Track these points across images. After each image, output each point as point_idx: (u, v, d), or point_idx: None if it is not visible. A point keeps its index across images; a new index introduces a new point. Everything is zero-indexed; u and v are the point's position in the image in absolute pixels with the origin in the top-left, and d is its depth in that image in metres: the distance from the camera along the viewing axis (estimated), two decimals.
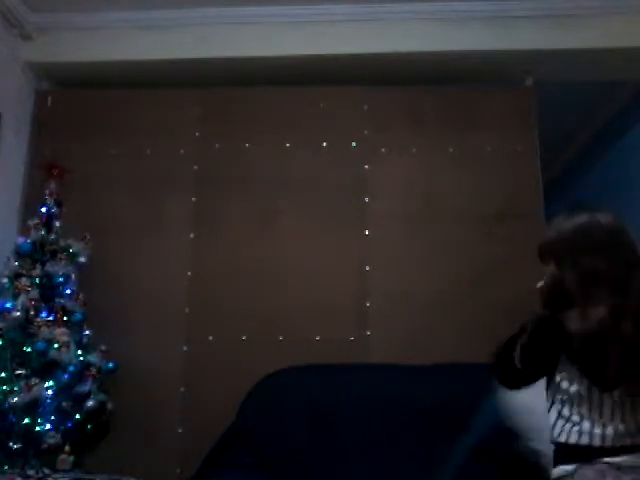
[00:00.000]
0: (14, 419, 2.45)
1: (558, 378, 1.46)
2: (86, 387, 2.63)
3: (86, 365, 2.67)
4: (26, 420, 2.45)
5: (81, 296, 2.79)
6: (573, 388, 1.42)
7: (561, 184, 4.58)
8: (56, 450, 2.48)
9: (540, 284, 1.52)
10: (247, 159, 3.25)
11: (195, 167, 3.26)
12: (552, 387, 1.48)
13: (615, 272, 1.40)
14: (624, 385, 1.38)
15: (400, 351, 2.87)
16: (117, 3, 3.22)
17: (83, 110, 3.36)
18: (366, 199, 3.18)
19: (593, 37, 3.12)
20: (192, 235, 3.17)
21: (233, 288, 3.03)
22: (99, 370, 2.69)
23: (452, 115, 3.26)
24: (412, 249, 3.10)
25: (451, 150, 3.23)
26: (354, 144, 3.25)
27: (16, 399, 2.42)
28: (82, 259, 2.82)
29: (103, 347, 2.76)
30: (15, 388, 2.46)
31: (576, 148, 4.37)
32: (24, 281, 2.62)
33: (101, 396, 2.68)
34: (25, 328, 2.58)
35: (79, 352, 2.64)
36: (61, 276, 2.71)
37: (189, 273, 3.12)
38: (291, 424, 2.44)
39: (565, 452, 1.42)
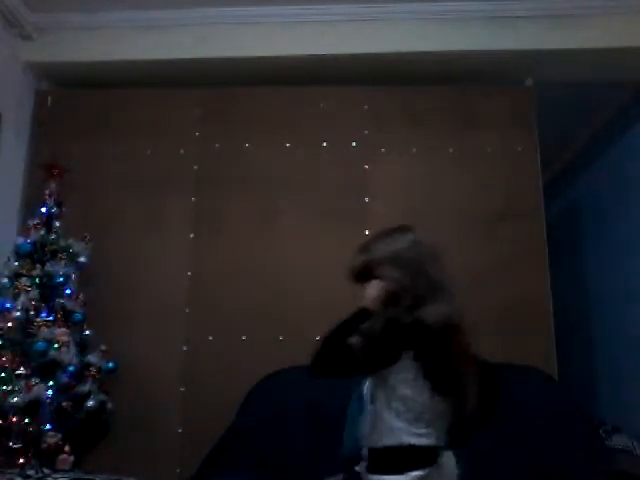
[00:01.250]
0: (14, 419, 2.45)
1: (394, 379, 1.51)
2: (86, 387, 2.63)
3: (86, 365, 2.67)
4: (26, 420, 2.45)
5: (81, 296, 2.79)
6: (413, 390, 1.48)
7: (561, 184, 4.58)
8: (56, 450, 2.48)
9: (376, 292, 1.61)
10: (247, 159, 3.25)
11: (195, 167, 3.26)
12: (386, 389, 1.52)
13: (443, 278, 1.59)
14: (461, 389, 1.49)
15: None
16: (117, 3, 3.22)
17: (83, 110, 3.36)
18: (366, 199, 3.18)
19: (593, 37, 3.12)
20: (192, 235, 3.17)
21: (233, 288, 3.03)
22: (99, 370, 2.70)
23: (452, 115, 3.26)
24: None
25: (451, 150, 3.23)
26: (354, 144, 3.25)
27: (16, 399, 2.42)
28: (82, 259, 2.82)
29: (103, 347, 2.76)
30: (15, 388, 2.46)
31: (576, 148, 4.37)
32: (24, 281, 2.62)
33: (101, 396, 2.69)
34: (25, 328, 2.58)
35: (79, 352, 2.64)
36: (61, 276, 2.71)
37: (189, 273, 3.12)
38: (291, 424, 2.44)
39: (411, 456, 1.45)
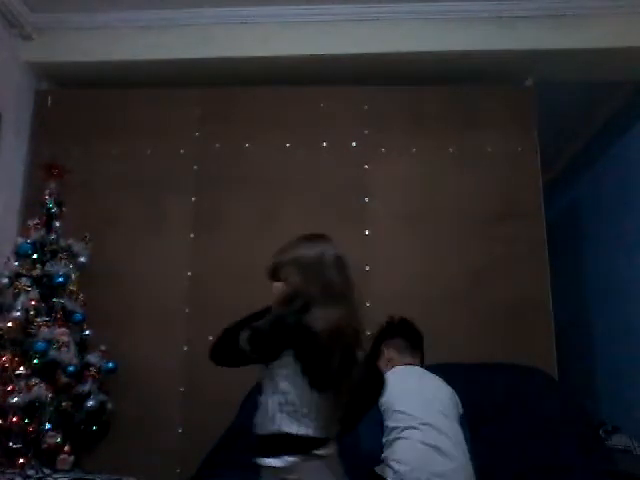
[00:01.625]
0: (14, 419, 2.45)
1: (279, 374, 1.63)
2: (86, 387, 2.63)
3: (86, 365, 2.67)
4: (26, 420, 2.45)
5: (81, 296, 2.80)
6: (293, 386, 1.61)
7: (561, 184, 4.58)
8: (56, 450, 2.48)
9: (277, 292, 1.75)
10: (247, 159, 3.25)
11: (195, 167, 3.26)
12: (272, 382, 1.65)
13: (343, 285, 1.73)
14: (337, 386, 1.61)
15: None
16: (117, 3, 3.22)
17: (83, 110, 3.36)
18: (366, 199, 3.19)
19: (593, 37, 3.12)
20: (192, 235, 3.17)
21: (233, 288, 3.03)
22: (99, 370, 2.70)
23: (452, 115, 3.26)
24: (412, 249, 3.10)
25: (451, 150, 3.23)
26: (354, 144, 3.25)
27: (16, 399, 2.42)
28: (82, 259, 2.82)
29: (103, 347, 2.76)
30: (15, 388, 2.46)
31: (576, 148, 4.37)
32: (24, 281, 2.63)
33: (101, 396, 2.69)
34: (25, 328, 2.58)
35: (79, 352, 2.64)
36: (61, 276, 2.71)
37: (189, 273, 3.12)
38: None
39: (287, 443, 1.57)
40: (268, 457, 1.58)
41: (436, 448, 2.05)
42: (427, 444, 2.06)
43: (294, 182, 3.21)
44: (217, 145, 3.28)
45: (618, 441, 3.20)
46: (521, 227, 3.08)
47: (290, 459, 1.55)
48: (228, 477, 2.28)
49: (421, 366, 2.45)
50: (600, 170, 4.12)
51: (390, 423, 2.14)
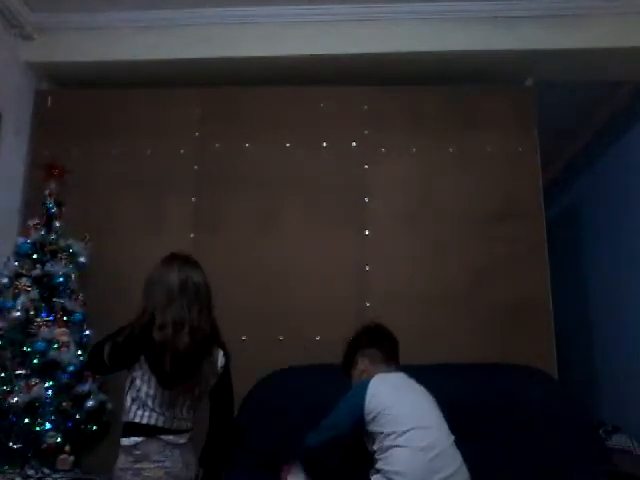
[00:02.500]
0: (14, 419, 2.45)
1: (135, 375, 2.02)
2: (86, 387, 2.64)
3: None
4: (26, 420, 2.46)
5: (81, 296, 2.80)
6: (145, 384, 2.00)
7: (561, 184, 4.58)
8: (56, 450, 2.48)
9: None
10: (247, 159, 3.25)
11: (195, 167, 3.26)
12: (132, 382, 2.03)
13: (186, 299, 2.06)
14: (179, 385, 2.00)
15: (400, 351, 2.87)
16: (117, 3, 3.22)
17: (83, 110, 3.36)
18: (366, 199, 3.19)
19: (593, 37, 3.12)
20: (192, 235, 3.17)
21: (233, 288, 3.03)
22: None
23: (452, 115, 3.27)
24: (412, 249, 3.10)
25: (451, 150, 3.23)
26: (354, 144, 3.26)
27: (16, 399, 2.42)
28: (82, 259, 2.83)
29: None
30: (15, 388, 2.46)
31: (576, 148, 4.37)
32: (24, 281, 2.63)
33: (101, 396, 2.69)
34: (25, 328, 2.58)
35: (79, 352, 2.64)
36: (61, 276, 2.71)
37: None
38: (291, 424, 2.44)
39: (135, 428, 1.99)
40: (123, 437, 2.01)
41: (435, 453, 2.03)
42: (426, 450, 2.03)
43: (294, 182, 3.21)
44: (217, 145, 3.28)
45: (618, 441, 3.21)
46: (521, 227, 3.09)
47: (133, 439, 1.98)
48: (228, 477, 2.28)
49: None
50: (600, 170, 4.12)
51: (385, 429, 2.09)
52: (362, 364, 2.34)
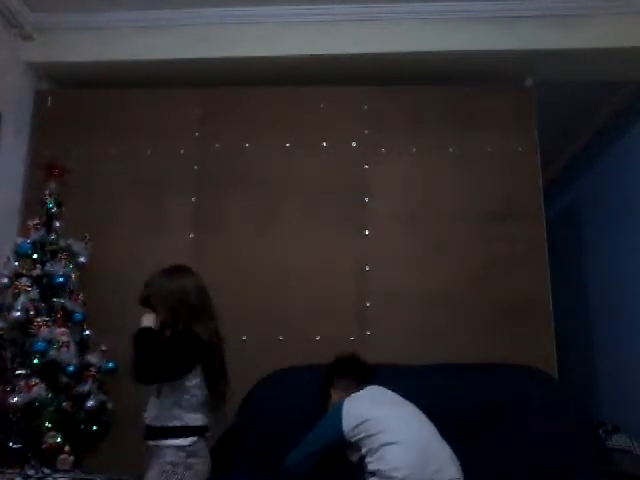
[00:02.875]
0: (14, 419, 2.45)
1: (189, 384, 2.09)
2: (86, 387, 2.63)
3: (86, 365, 2.67)
4: (26, 420, 2.45)
5: (81, 296, 2.80)
6: (199, 390, 2.11)
7: (561, 184, 4.58)
8: (56, 450, 2.48)
9: (149, 319, 2.24)
10: (247, 159, 3.25)
11: (195, 167, 3.26)
12: (185, 390, 2.10)
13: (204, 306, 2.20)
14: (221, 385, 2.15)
15: (400, 351, 2.87)
16: (117, 3, 3.22)
17: (83, 110, 3.36)
18: (366, 199, 3.19)
19: (593, 37, 3.12)
20: (192, 235, 3.17)
21: (233, 288, 3.03)
22: (99, 370, 2.70)
23: (452, 115, 3.27)
24: (412, 249, 3.10)
25: (451, 150, 3.23)
26: (354, 144, 3.26)
27: (16, 399, 2.42)
28: (82, 259, 2.83)
29: (103, 347, 2.76)
30: (15, 388, 2.46)
31: (576, 148, 4.37)
32: (24, 281, 2.62)
33: (101, 396, 2.69)
34: (25, 328, 2.58)
35: (79, 352, 2.64)
36: (61, 276, 2.71)
37: None
38: (291, 424, 2.43)
39: (189, 431, 2.08)
40: (167, 440, 2.08)
41: (422, 445, 2.07)
42: (414, 443, 2.06)
43: (294, 182, 3.21)
44: (217, 145, 3.28)
45: (618, 441, 3.21)
46: (521, 227, 3.08)
47: (190, 439, 2.07)
48: (228, 477, 2.28)
49: None
50: (600, 170, 4.12)
51: (371, 431, 2.10)
52: (336, 395, 2.37)
